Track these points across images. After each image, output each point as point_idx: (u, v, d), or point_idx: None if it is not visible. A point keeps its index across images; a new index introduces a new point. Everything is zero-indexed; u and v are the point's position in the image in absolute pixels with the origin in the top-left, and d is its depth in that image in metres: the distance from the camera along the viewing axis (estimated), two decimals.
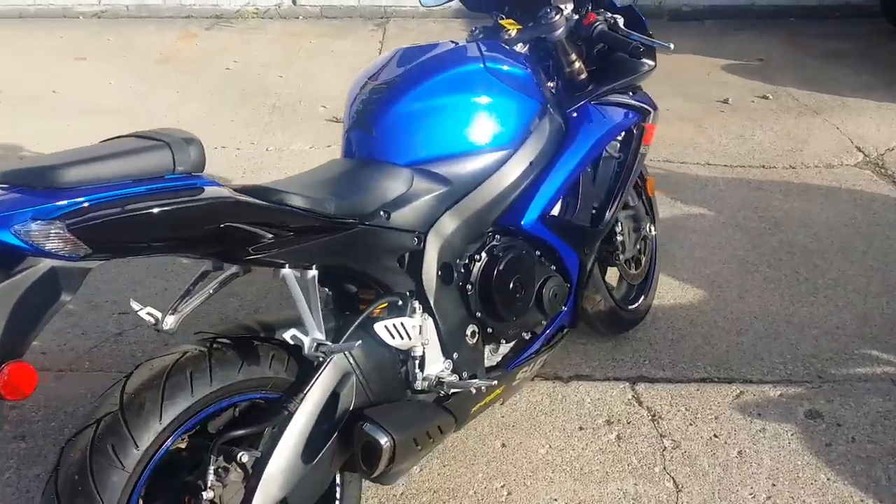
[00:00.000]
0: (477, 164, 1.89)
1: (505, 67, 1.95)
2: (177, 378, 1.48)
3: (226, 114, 4.62)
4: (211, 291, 1.65)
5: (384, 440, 1.61)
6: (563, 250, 2.06)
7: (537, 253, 2.03)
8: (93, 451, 1.39)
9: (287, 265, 1.58)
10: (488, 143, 1.90)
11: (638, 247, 2.60)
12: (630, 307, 2.67)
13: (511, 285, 1.93)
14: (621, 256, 2.50)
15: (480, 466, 2.18)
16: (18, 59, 5.51)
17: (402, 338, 1.75)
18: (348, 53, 5.44)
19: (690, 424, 2.34)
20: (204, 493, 1.49)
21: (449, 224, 1.86)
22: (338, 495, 1.78)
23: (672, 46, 2.15)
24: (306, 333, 1.57)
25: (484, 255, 1.92)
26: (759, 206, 3.61)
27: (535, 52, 2.20)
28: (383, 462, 1.63)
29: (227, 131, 4.35)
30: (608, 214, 2.19)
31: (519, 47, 2.15)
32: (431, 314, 1.83)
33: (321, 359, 1.58)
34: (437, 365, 1.85)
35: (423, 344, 1.80)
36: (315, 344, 1.56)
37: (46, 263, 1.25)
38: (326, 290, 1.85)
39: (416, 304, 1.80)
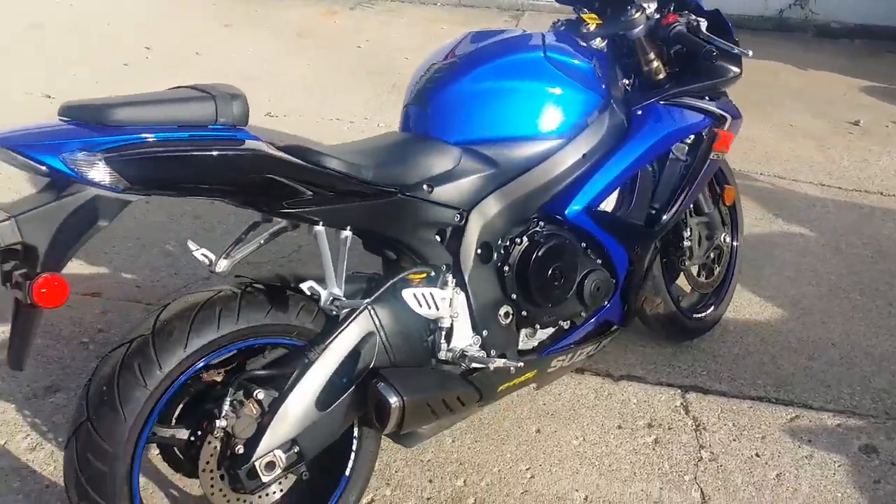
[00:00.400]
0: (527, 150, 1.92)
1: (566, 58, 1.97)
2: (206, 313, 1.60)
3: (348, 89, 4.81)
4: (262, 241, 1.77)
5: (394, 399, 1.68)
6: (610, 245, 2.06)
7: (583, 244, 2.04)
8: (122, 368, 1.53)
9: (321, 223, 1.67)
10: (540, 130, 1.93)
11: (710, 255, 2.54)
12: (696, 315, 2.63)
13: (550, 272, 1.95)
14: (687, 262, 2.46)
15: (510, 447, 2.22)
16: (173, 23, 5.92)
17: (430, 307, 1.81)
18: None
19: (734, 440, 2.28)
20: (218, 421, 1.61)
21: (493, 205, 1.90)
22: (354, 447, 1.87)
23: (750, 53, 2.10)
24: (325, 287, 1.65)
25: (525, 239, 1.94)
26: (865, 233, 3.43)
27: (615, 49, 2.19)
28: (393, 421, 1.70)
29: (345, 105, 4.54)
30: (666, 217, 2.16)
31: (597, 42, 2.15)
32: (465, 289, 1.88)
33: (334, 312, 1.66)
34: (464, 339, 1.90)
35: (451, 317, 1.85)
36: (331, 298, 1.65)
37: (90, 191, 1.38)
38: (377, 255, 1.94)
39: (450, 278, 1.85)
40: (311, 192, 1.61)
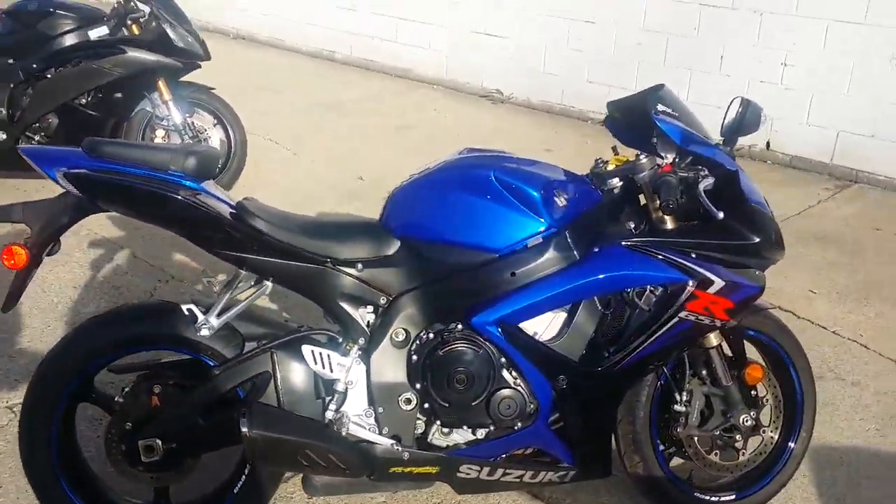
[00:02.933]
0: (458, 255, 2.09)
1: (517, 183, 2.09)
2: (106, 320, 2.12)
3: None
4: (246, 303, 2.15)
5: (246, 430, 1.97)
6: (524, 367, 2.09)
7: (502, 360, 2.10)
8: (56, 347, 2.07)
9: (245, 268, 2.05)
10: (474, 241, 2.08)
11: (720, 433, 2.34)
12: (703, 497, 2.41)
13: (455, 374, 2.07)
14: (680, 430, 2.30)
15: None
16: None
17: (324, 368, 2.07)
18: (780, 201, 5.17)
19: None
20: (118, 399, 2.06)
21: (418, 298, 2.11)
22: (246, 470, 2.17)
23: (721, 216, 2.01)
24: (205, 314, 2.00)
25: (441, 336, 2.09)
26: None
27: (630, 192, 2.23)
28: (249, 450, 1.99)
29: None
30: (609, 360, 2.11)
31: (615, 181, 2.23)
32: (367, 364, 2.09)
33: (204, 334, 2.00)
34: (357, 408, 2.10)
35: (346, 383, 2.08)
36: (205, 324, 2.00)
37: (74, 197, 1.96)
38: None
39: (354, 348, 2.09)
40: (237, 241, 2.00)
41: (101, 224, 4.07)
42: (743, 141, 5.83)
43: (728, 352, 2.35)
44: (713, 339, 2.28)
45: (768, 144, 6.03)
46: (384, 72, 8.20)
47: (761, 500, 2.48)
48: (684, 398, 2.31)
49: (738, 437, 2.37)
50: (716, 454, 2.40)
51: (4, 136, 4.20)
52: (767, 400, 2.45)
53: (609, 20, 6.54)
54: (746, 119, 2.18)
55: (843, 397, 3.13)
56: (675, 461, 2.46)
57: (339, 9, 8.52)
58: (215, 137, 4.60)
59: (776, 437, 2.47)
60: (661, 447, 2.37)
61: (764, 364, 2.40)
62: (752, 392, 2.37)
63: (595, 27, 6.63)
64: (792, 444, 2.48)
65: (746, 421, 2.33)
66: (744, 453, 2.42)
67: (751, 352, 2.43)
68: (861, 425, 2.97)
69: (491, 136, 6.19)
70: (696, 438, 2.36)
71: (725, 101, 6.45)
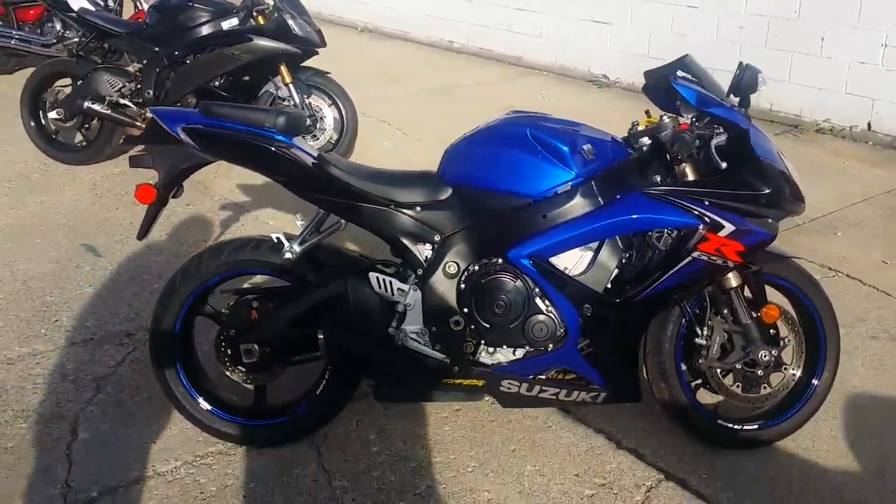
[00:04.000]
0: (500, 201, 2.47)
1: (549, 139, 2.44)
2: (215, 250, 2.61)
3: None
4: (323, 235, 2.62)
5: (323, 335, 2.43)
6: (553, 296, 2.45)
7: (535, 289, 2.46)
8: (181, 269, 2.59)
9: (323, 208, 2.52)
10: (512, 188, 2.45)
11: (742, 367, 2.61)
12: (727, 425, 2.68)
13: (494, 300, 2.45)
14: (702, 361, 2.59)
15: (480, 451, 2.71)
16: None
17: (387, 291, 2.50)
18: (873, 181, 5.22)
19: None
20: (224, 311, 2.57)
21: (467, 236, 2.50)
22: (326, 376, 2.63)
23: (724, 166, 2.30)
24: (290, 242, 2.47)
25: (484, 269, 2.48)
26: None
27: (659, 148, 2.53)
28: (324, 349, 2.46)
29: None
30: (629, 293, 2.43)
31: (644, 140, 2.55)
32: (423, 290, 2.51)
33: (289, 257, 2.47)
34: (414, 327, 2.52)
35: (405, 305, 2.50)
36: (289, 251, 2.47)
37: (188, 148, 2.47)
38: None
39: (412, 277, 2.51)
40: (317, 185, 2.46)
41: (226, 191, 4.71)
42: (843, 122, 6.06)
43: (749, 294, 2.62)
44: (733, 280, 2.55)
45: (869, 125, 6.03)
46: (498, 59, 8.60)
47: (784, 431, 2.73)
48: (705, 333, 2.59)
49: (759, 371, 2.63)
50: (738, 386, 2.67)
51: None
52: (789, 340, 2.69)
53: (712, 5, 6.70)
54: (744, 81, 2.43)
55: (891, 355, 3.29)
56: (709, 398, 2.75)
57: (457, 1, 8.97)
58: (329, 116, 5.13)
59: (798, 373, 2.71)
60: (687, 377, 2.67)
61: (781, 306, 2.64)
62: (772, 331, 2.63)
63: (698, 12, 6.80)
64: (815, 381, 2.72)
65: (765, 356, 2.59)
66: (766, 387, 2.68)
67: (777, 298, 2.69)
68: None
69: (587, 116, 6.45)
70: (718, 370, 2.64)
71: (827, 83, 6.70)
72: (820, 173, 5.36)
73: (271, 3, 4.88)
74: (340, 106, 5.15)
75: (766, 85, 2.48)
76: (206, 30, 4.85)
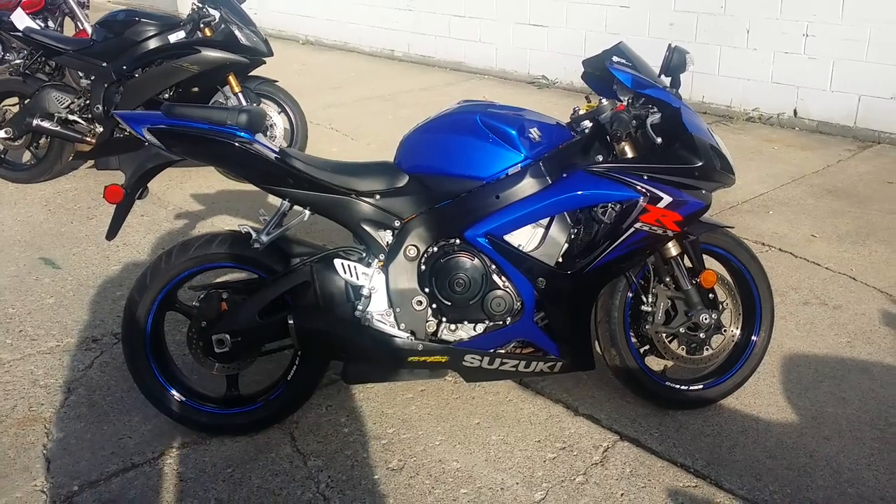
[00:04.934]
0: (454, 184, 2.62)
1: (497, 124, 2.61)
2: (184, 245, 2.70)
3: None
4: (288, 226, 2.74)
5: (293, 322, 2.55)
6: (509, 271, 2.61)
7: (492, 266, 2.62)
8: (151, 264, 2.69)
9: (287, 200, 2.64)
10: (465, 172, 2.61)
11: (693, 333, 2.79)
12: (674, 386, 2.87)
13: (454, 278, 2.60)
14: (648, 327, 2.78)
15: (447, 425, 2.84)
16: None
17: (352, 276, 2.63)
18: (801, 163, 5.53)
19: (617, 481, 2.57)
20: (195, 303, 2.67)
21: (425, 220, 2.64)
22: (296, 363, 2.75)
23: (659, 141, 2.49)
24: (257, 233, 2.59)
25: (442, 250, 2.63)
26: None
27: (599, 130, 2.71)
28: (294, 337, 2.57)
29: None
30: (578, 264, 2.60)
31: (586, 123, 2.72)
32: (386, 273, 2.64)
33: (257, 247, 2.59)
34: (379, 309, 2.65)
35: (370, 289, 2.63)
36: (257, 241, 2.59)
37: (154, 149, 2.58)
38: None
39: (375, 262, 2.65)
40: (280, 178, 2.58)
41: (180, 201, 4.79)
42: (771, 110, 6.39)
43: (688, 263, 2.81)
44: (673, 250, 2.75)
45: (795, 112, 6.36)
46: (440, 66, 8.80)
47: (727, 389, 2.93)
48: (650, 300, 2.78)
49: (701, 334, 2.83)
50: (683, 349, 2.87)
51: (101, 129, 4.94)
52: (727, 304, 2.90)
53: (642, 3, 6.99)
54: (674, 62, 2.63)
55: (822, 318, 3.54)
56: (657, 363, 2.95)
57: (397, 10, 9.16)
58: (280, 124, 5.24)
59: (737, 334, 2.92)
60: (636, 344, 2.85)
61: (718, 272, 2.85)
62: (710, 295, 2.83)
63: (629, 11, 7.08)
64: (754, 338, 2.93)
65: (706, 319, 2.79)
66: (708, 349, 2.88)
67: (713, 265, 2.89)
68: (835, 339, 3.37)
69: None
70: (664, 335, 2.83)
71: (753, 74, 7.00)
72: (752, 158, 5.65)
73: (217, 15, 4.97)
74: (290, 113, 5.27)
75: (694, 65, 2.68)
76: (153, 43, 4.93)
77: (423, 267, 2.65)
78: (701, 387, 2.91)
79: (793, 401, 2.97)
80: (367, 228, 2.67)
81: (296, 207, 2.70)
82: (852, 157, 5.66)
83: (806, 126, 6.34)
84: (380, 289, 2.66)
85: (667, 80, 2.71)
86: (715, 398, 2.92)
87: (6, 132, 5.16)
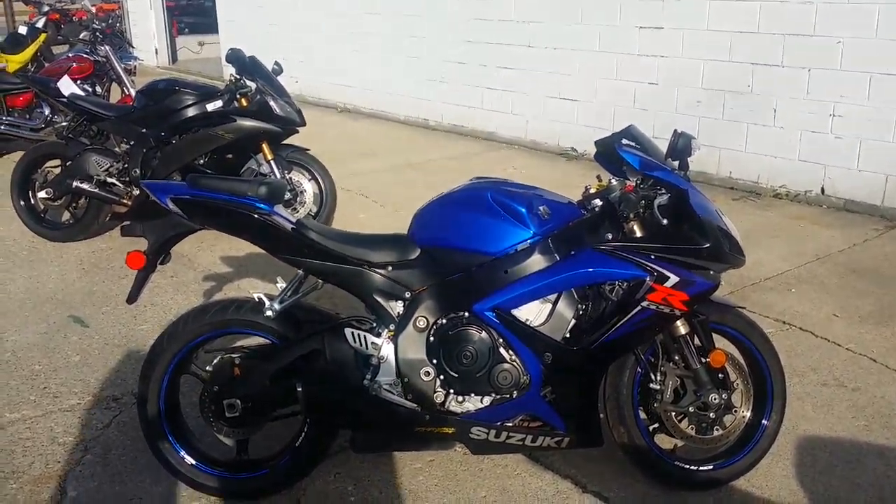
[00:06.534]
0: (464, 259, 2.68)
1: (507, 201, 2.68)
2: (200, 311, 2.78)
3: None
4: (302, 294, 2.82)
5: (301, 387, 2.60)
6: (516, 345, 2.64)
7: (499, 339, 2.66)
8: (163, 333, 2.77)
9: (302, 269, 2.72)
10: (475, 247, 2.67)
11: (694, 410, 2.79)
12: (685, 466, 2.85)
13: (461, 351, 2.64)
14: (656, 405, 2.78)
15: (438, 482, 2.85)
16: None
17: (362, 346, 2.68)
18: (827, 241, 5.50)
19: None
20: (208, 367, 2.73)
21: (434, 292, 2.70)
22: (305, 429, 2.79)
23: (665, 222, 2.53)
24: (271, 301, 2.67)
25: (451, 322, 2.67)
26: None
27: (610, 208, 2.76)
28: (304, 403, 2.62)
29: None
30: (584, 341, 2.62)
31: (596, 202, 2.78)
32: (395, 344, 2.69)
33: (269, 314, 2.66)
34: (387, 378, 2.69)
35: (378, 358, 2.68)
36: (270, 310, 2.66)
37: (177, 218, 2.68)
38: None
39: (385, 332, 2.70)
40: (296, 249, 2.67)
41: (209, 263, 4.90)
42: (798, 187, 6.40)
43: (697, 342, 2.82)
44: (681, 328, 2.76)
45: (823, 189, 6.35)
46: (472, 135, 8.97)
47: (738, 471, 2.90)
48: (659, 378, 2.79)
49: (711, 414, 2.82)
50: (692, 429, 2.85)
51: (137, 192, 5.11)
52: (737, 384, 2.89)
53: (670, 82, 7.09)
54: (679, 146, 2.68)
55: (840, 400, 3.49)
56: (667, 442, 2.93)
57: (431, 81, 9.39)
58: (309, 190, 5.38)
59: (748, 415, 2.90)
60: (645, 421, 2.85)
61: (727, 352, 2.85)
62: (721, 375, 2.82)
63: (658, 88, 7.18)
64: (765, 422, 2.91)
65: (715, 399, 2.78)
66: (718, 429, 2.86)
67: (724, 345, 2.89)
68: (852, 422, 3.32)
69: (557, 186, 6.77)
70: (673, 414, 2.83)
71: (781, 151, 7.05)
72: (777, 235, 5.64)
73: (254, 86, 5.16)
74: (320, 180, 5.41)
75: (700, 150, 2.73)
76: (191, 112, 5.11)
77: (432, 338, 2.70)
78: (711, 467, 2.88)
79: (806, 485, 2.93)
80: (379, 299, 2.73)
81: (311, 276, 2.77)
82: (879, 237, 5.63)
83: (833, 204, 6.32)
84: (389, 359, 2.71)
85: (674, 163, 2.76)
86: (725, 480, 2.89)
87: (47, 192, 5.37)
